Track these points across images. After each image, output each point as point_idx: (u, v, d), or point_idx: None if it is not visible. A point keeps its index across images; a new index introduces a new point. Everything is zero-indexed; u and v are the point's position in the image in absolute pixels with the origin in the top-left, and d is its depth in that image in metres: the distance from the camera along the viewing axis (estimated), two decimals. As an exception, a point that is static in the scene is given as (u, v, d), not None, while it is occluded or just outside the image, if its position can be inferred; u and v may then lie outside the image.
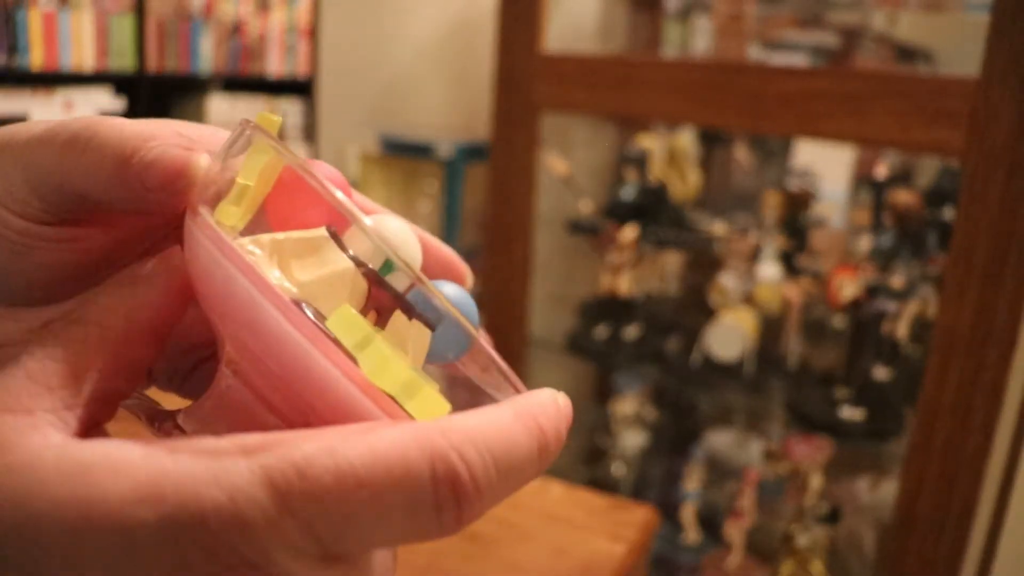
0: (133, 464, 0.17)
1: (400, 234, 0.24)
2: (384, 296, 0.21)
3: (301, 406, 0.21)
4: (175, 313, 0.23)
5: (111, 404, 0.21)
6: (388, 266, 0.21)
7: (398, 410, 0.19)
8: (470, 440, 0.18)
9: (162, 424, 0.22)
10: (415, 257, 0.24)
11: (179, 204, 0.22)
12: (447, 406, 0.19)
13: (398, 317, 0.21)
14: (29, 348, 0.20)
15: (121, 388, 0.21)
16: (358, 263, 0.21)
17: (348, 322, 0.19)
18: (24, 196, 0.22)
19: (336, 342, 0.19)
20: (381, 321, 0.22)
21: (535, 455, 0.19)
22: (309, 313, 0.20)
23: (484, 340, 0.21)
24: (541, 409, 0.20)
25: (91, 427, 0.20)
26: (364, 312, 0.21)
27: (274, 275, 0.20)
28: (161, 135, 0.23)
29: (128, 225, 0.25)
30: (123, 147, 0.22)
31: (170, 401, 0.24)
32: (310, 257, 0.21)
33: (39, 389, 0.19)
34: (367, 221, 0.20)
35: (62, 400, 0.19)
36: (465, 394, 0.23)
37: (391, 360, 0.19)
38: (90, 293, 0.22)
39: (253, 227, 0.22)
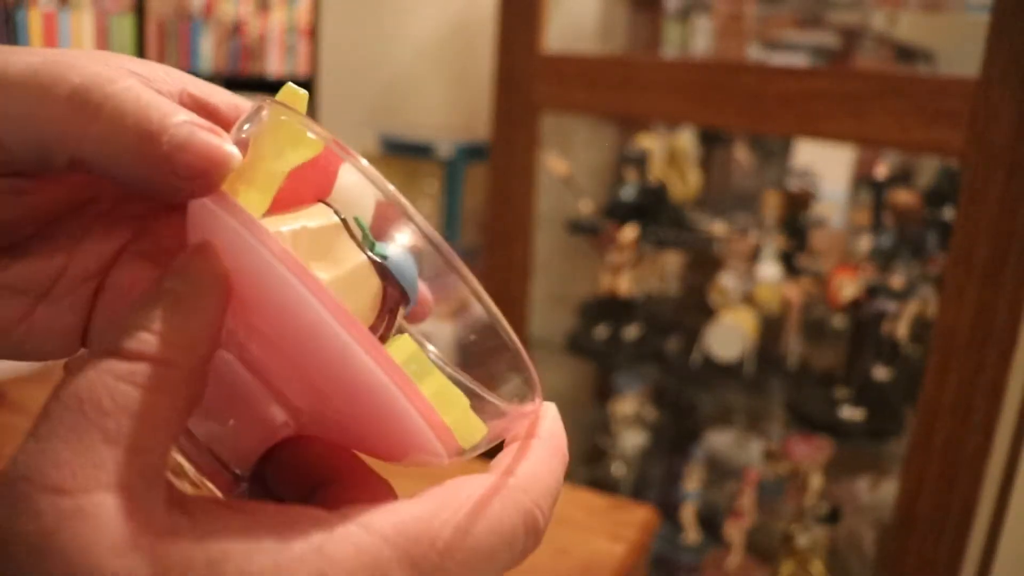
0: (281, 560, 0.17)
1: (356, 189, 0.23)
2: (393, 291, 0.22)
3: (311, 394, 0.21)
4: (222, 324, 0.20)
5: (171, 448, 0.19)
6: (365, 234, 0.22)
7: (432, 411, 0.20)
8: (541, 491, 0.22)
9: None
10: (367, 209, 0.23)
11: (199, 194, 0.20)
12: (484, 428, 0.22)
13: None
14: (96, 394, 0.17)
15: (184, 428, 0.19)
16: (373, 261, 0.22)
17: (408, 355, 0.21)
18: None
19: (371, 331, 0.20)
20: (390, 318, 0.22)
21: (562, 474, 0.23)
22: None
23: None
24: (559, 434, 0.24)
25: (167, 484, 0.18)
26: (381, 313, 0.22)
27: None
28: (180, 109, 0.21)
29: (83, 181, 0.23)
30: (146, 120, 0.20)
31: None
32: (326, 251, 0.21)
33: (124, 456, 0.16)
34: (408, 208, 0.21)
35: (150, 465, 0.17)
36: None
37: (452, 394, 0.21)
38: (142, 317, 0.19)
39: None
